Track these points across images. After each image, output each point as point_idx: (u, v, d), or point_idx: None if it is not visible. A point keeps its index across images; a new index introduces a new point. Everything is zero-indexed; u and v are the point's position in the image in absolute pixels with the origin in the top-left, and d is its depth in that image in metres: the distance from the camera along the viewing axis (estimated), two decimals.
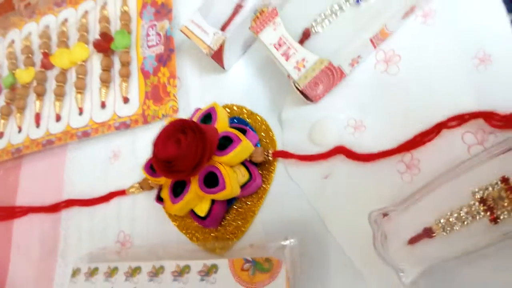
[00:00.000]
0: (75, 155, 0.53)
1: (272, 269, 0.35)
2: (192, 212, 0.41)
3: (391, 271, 0.32)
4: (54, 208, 0.51)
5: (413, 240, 0.31)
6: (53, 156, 0.55)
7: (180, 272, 0.39)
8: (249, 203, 0.41)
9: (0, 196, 0.56)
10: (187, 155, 0.37)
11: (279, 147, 0.42)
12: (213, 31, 0.45)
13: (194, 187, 0.40)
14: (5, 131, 0.58)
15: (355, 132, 0.38)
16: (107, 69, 0.53)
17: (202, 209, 0.41)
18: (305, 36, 0.41)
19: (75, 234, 0.50)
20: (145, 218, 0.46)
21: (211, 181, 0.39)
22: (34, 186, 0.55)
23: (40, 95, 0.56)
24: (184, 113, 0.48)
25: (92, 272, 0.44)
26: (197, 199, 0.40)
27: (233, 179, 0.39)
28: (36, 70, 0.58)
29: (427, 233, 0.30)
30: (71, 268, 0.47)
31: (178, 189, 0.40)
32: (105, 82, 0.52)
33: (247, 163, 0.41)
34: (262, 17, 0.42)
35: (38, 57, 0.59)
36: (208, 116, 0.42)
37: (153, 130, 0.49)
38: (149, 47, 0.52)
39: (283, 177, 0.41)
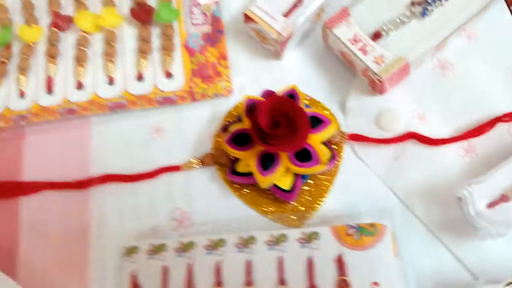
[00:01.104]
0: (104, 128, 0.49)
1: (377, 232, 0.40)
2: (274, 186, 0.43)
3: (471, 235, 0.40)
4: (84, 184, 0.46)
5: (492, 205, 0.40)
6: (73, 128, 0.49)
7: (276, 241, 0.41)
8: (323, 179, 0.45)
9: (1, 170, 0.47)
10: (297, 127, 0.40)
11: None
12: (281, 19, 0.48)
13: (284, 161, 0.42)
14: None
15: (420, 122, 0.46)
16: (147, 40, 0.50)
17: (286, 183, 0.43)
18: (376, 37, 0.47)
19: (114, 214, 0.45)
20: (205, 194, 0.46)
21: (301, 156, 0.42)
22: (47, 160, 0.48)
23: (53, 57, 0.50)
24: (239, 95, 0.49)
25: (157, 249, 0.42)
26: (282, 173, 0.43)
27: (322, 155, 0.42)
28: (44, 30, 0.51)
29: (503, 198, 0.40)
30: (112, 249, 0.44)
31: (267, 163, 0.42)
32: (145, 53, 0.50)
33: (325, 143, 0.45)
34: (334, 16, 0.47)
35: (40, 15, 0.52)
36: (290, 97, 0.45)
37: (201, 109, 0.49)
38: (193, 24, 0.51)
39: (351, 158, 0.46)
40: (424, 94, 0.47)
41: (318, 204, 0.44)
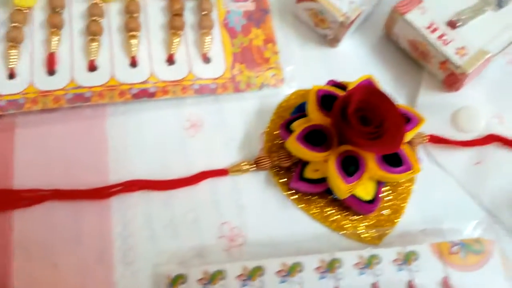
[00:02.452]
0: (124, 121, 0.38)
1: (485, 249, 0.33)
2: (351, 196, 0.35)
3: None
4: (102, 192, 0.35)
5: None
6: (83, 119, 0.37)
7: (367, 263, 0.33)
8: (400, 187, 0.38)
9: None
10: (391, 125, 0.33)
11: None
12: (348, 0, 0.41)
13: (370, 165, 0.35)
14: None
15: (500, 123, 0.41)
16: (179, 13, 0.40)
17: (368, 192, 0.36)
18: (450, 27, 0.41)
19: (143, 231, 0.35)
20: (258, 205, 0.37)
21: (388, 160, 0.35)
22: (47, 161, 0.36)
23: (57, 27, 0.38)
24: (289, 86, 0.41)
25: (214, 277, 0.32)
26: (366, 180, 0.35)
27: (413, 158, 0.36)
28: None
29: None
30: (146, 278, 0.34)
31: (350, 168, 0.34)
32: (177, 29, 0.40)
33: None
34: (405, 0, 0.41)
35: None
36: None
37: (245, 100, 0.41)
38: (235, 1, 0.43)
39: (427, 162, 0.40)
40: (500, 92, 0.42)
41: (398, 216, 0.38)
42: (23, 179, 0.35)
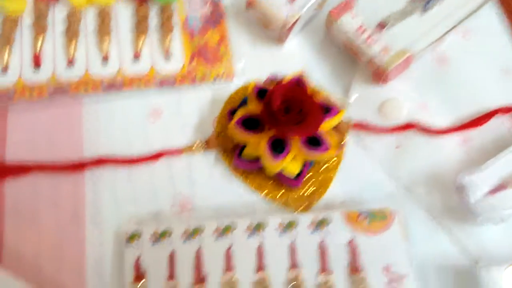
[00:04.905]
0: (97, 108, 0.46)
1: (387, 218, 0.40)
2: (281, 172, 0.42)
3: (472, 222, 0.42)
4: (78, 166, 0.43)
5: (492, 192, 0.42)
6: (63, 107, 0.45)
7: (287, 227, 0.40)
8: (328, 165, 0.45)
9: None
10: (310, 113, 0.40)
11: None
12: (286, 6, 0.47)
13: (294, 147, 0.42)
14: None
15: (421, 112, 0.47)
16: (144, 19, 0.48)
17: (294, 169, 0.43)
18: (379, 28, 0.48)
19: (110, 198, 0.43)
20: (207, 179, 0.44)
21: (311, 142, 0.42)
22: (34, 141, 0.44)
23: (41, 31, 0.46)
24: (239, 80, 0.48)
25: (162, 235, 0.40)
26: (290, 159, 0.42)
27: (333, 141, 0.43)
28: (29, 2, 0.47)
29: (501, 187, 0.42)
30: (110, 236, 0.42)
31: (278, 149, 0.42)
32: (142, 32, 0.47)
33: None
34: (340, 5, 0.47)
35: None
36: (298, 83, 0.44)
37: (201, 92, 0.48)
38: (192, 6, 0.50)
39: (354, 145, 0.46)
40: (424, 85, 0.48)
41: (324, 190, 0.45)
42: (14, 155, 0.44)
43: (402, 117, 0.47)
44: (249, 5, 0.48)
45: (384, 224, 0.40)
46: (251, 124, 0.43)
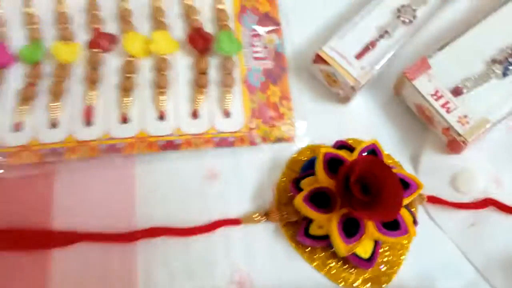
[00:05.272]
0: (150, 169, 0.42)
1: None
2: (353, 254, 0.39)
3: None
4: (129, 237, 0.39)
5: None
6: (113, 168, 0.42)
7: None
8: (399, 244, 0.42)
9: (23, 216, 0.39)
10: (390, 195, 0.36)
11: None
12: (357, 64, 0.44)
13: (370, 229, 0.38)
14: (25, 122, 0.41)
15: (498, 187, 0.43)
16: (204, 72, 0.44)
17: (366, 250, 0.39)
18: (456, 93, 0.44)
19: (164, 272, 0.39)
20: (267, 254, 0.41)
21: (387, 223, 0.39)
22: (82, 206, 0.41)
23: (94, 82, 0.43)
24: (301, 141, 0.45)
25: None
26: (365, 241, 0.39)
27: (409, 222, 0.39)
28: (82, 48, 0.44)
29: None
30: None
31: (352, 229, 0.38)
32: (201, 87, 0.44)
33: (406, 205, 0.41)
34: (414, 66, 0.44)
35: (78, 32, 0.45)
36: (371, 153, 0.41)
37: (260, 153, 0.44)
38: (255, 58, 0.46)
39: (426, 222, 0.43)
40: (500, 156, 0.45)
41: (394, 272, 0.41)
42: (61, 221, 0.40)
43: (477, 192, 0.43)
44: (317, 61, 0.44)
45: None
46: (320, 198, 0.39)
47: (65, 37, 0.44)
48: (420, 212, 0.43)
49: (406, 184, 0.40)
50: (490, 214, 0.43)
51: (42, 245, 0.39)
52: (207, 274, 0.40)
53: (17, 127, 0.41)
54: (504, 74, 0.45)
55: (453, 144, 0.43)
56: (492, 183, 0.44)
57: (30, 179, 0.41)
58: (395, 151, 0.45)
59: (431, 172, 0.44)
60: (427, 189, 0.43)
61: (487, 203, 0.43)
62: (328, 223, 0.39)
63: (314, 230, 0.40)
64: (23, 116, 0.41)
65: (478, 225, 0.43)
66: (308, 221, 0.40)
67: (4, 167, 0.40)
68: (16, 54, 0.43)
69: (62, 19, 0.44)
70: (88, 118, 0.42)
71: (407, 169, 0.45)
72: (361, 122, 0.46)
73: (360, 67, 0.44)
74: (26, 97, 0.42)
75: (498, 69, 0.45)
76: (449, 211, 0.43)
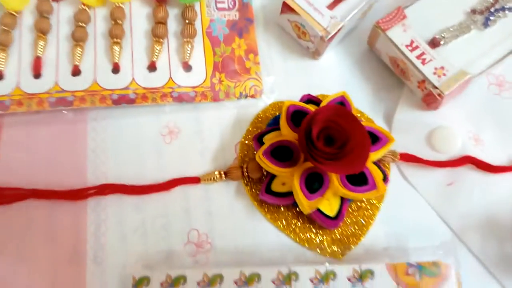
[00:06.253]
0: (104, 125, 0.40)
1: (441, 273, 0.34)
2: (316, 211, 0.36)
3: None
4: (80, 194, 0.37)
5: None
6: (65, 123, 0.39)
7: (323, 279, 0.34)
8: (368, 204, 0.39)
9: None
10: (357, 146, 0.33)
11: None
12: (328, 13, 0.41)
13: (334, 183, 0.35)
14: None
15: (476, 145, 0.41)
16: (163, 21, 0.41)
17: (332, 208, 0.36)
18: (433, 45, 0.41)
19: (115, 232, 0.37)
20: (227, 214, 0.38)
21: (354, 179, 0.36)
22: (30, 161, 0.38)
23: (43, 32, 0.40)
24: (268, 98, 0.42)
25: (176, 282, 0.34)
26: (329, 197, 0.36)
27: (379, 177, 0.36)
28: None
29: None
30: (114, 277, 0.36)
31: (315, 184, 0.35)
32: (159, 37, 0.41)
33: (376, 162, 0.39)
34: (388, 16, 0.41)
35: None
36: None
37: (224, 110, 0.42)
38: (219, 9, 0.43)
39: (399, 181, 0.40)
40: (479, 113, 0.42)
41: (363, 233, 0.38)
42: (6, 177, 0.37)
43: (454, 150, 0.41)
44: (285, 10, 0.41)
45: (438, 280, 0.34)
46: (283, 153, 0.37)
47: None
48: (393, 171, 0.41)
49: (375, 138, 0.37)
50: (468, 173, 0.40)
51: None
52: (161, 234, 0.37)
53: None
54: (485, 25, 0.42)
55: (429, 98, 0.40)
56: (471, 140, 0.41)
57: None
58: (369, 108, 0.43)
59: (405, 129, 0.41)
60: (401, 147, 0.40)
61: (465, 161, 0.40)
62: (291, 179, 0.36)
63: (276, 187, 0.37)
64: None
65: (454, 184, 0.40)
66: (271, 178, 0.37)
67: None
68: None
69: None
70: (37, 69, 0.39)
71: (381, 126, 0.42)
72: (333, 78, 0.44)
73: (330, 16, 0.41)
74: None
75: (479, 20, 0.42)
76: (424, 170, 0.40)
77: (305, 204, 0.35)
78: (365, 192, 0.35)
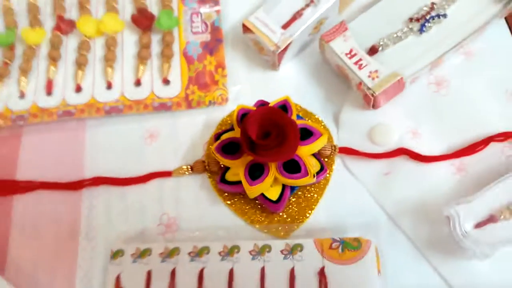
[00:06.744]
0: (99, 131, 0.49)
1: (361, 247, 0.39)
2: (262, 196, 0.43)
3: (458, 255, 0.40)
4: (76, 185, 0.46)
5: (480, 225, 0.39)
6: (69, 130, 0.49)
7: (260, 251, 0.41)
8: (312, 191, 0.45)
9: None
10: (287, 138, 0.40)
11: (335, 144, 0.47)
12: (280, 31, 0.48)
13: (273, 171, 0.42)
14: None
15: (413, 138, 0.45)
16: (146, 46, 0.51)
17: (274, 193, 0.43)
18: (372, 51, 0.47)
19: (103, 216, 0.46)
20: (193, 201, 0.46)
21: (290, 167, 0.42)
22: (42, 160, 0.48)
23: (55, 60, 0.51)
24: (234, 104, 0.49)
25: (143, 253, 0.42)
26: (270, 184, 0.43)
27: (311, 167, 0.42)
28: (47, 33, 0.52)
29: (492, 219, 0.39)
30: (100, 251, 0.45)
31: (256, 173, 0.42)
32: (144, 59, 0.50)
33: (316, 155, 0.45)
34: (332, 29, 0.47)
35: (45, 18, 0.53)
36: (282, 108, 0.45)
37: (196, 116, 0.50)
38: (193, 33, 0.52)
39: (342, 171, 0.46)
40: (418, 110, 0.47)
41: (306, 216, 0.44)
42: (24, 173, 0.48)
43: (392, 144, 0.45)
44: (245, 30, 0.49)
45: (358, 253, 0.39)
46: (235, 148, 0.44)
47: (34, 24, 0.52)
48: (337, 163, 0.46)
49: (310, 133, 0.43)
50: (403, 163, 0.45)
51: (6, 192, 0.47)
52: (140, 218, 0.46)
53: None
54: (421, 31, 0.47)
55: (367, 98, 0.46)
56: (408, 134, 0.46)
57: (1, 139, 0.49)
58: (320, 110, 0.49)
59: (350, 127, 0.47)
60: (346, 143, 0.46)
61: (399, 152, 0.44)
62: (239, 169, 0.43)
63: (230, 176, 0.44)
64: None
65: (391, 173, 0.45)
66: (225, 169, 0.45)
67: None
68: None
69: (32, 10, 0.53)
70: (49, 89, 0.50)
71: (330, 126, 0.48)
72: (290, 85, 0.50)
73: (281, 33, 0.48)
74: (1, 74, 0.50)
75: (416, 27, 0.47)
76: (365, 162, 0.45)
77: (248, 189, 0.42)
78: (298, 179, 0.42)
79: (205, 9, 0.53)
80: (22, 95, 0.50)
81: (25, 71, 0.51)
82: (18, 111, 0.49)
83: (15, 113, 0.49)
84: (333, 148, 0.45)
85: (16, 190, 0.47)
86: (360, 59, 0.46)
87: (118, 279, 0.42)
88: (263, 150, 0.41)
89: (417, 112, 0.46)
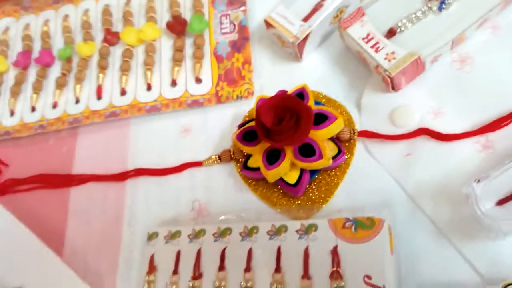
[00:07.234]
0: (141, 128, 0.55)
1: (374, 226, 0.39)
2: (282, 180, 0.45)
3: (480, 234, 0.38)
4: (121, 177, 0.52)
5: (501, 202, 0.38)
6: (115, 128, 0.56)
7: (277, 231, 0.42)
8: (333, 175, 0.46)
9: (55, 165, 0.56)
10: (300, 122, 0.42)
11: (358, 129, 0.47)
12: (299, 23, 0.50)
13: (289, 156, 0.44)
14: (59, 101, 0.58)
15: (435, 118, 0.44)
16: (180, 49, 0.56)
17: (292, 177, 0.45)
18: (390, 34, 0.47)
19: (143, 204, 0.51)
20: (222, 188, 0.49)
21: (305, 151, 0.44)
22: (93, 156, 0.55)
23: (104, 68, 0.58)
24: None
25: (174, 235, 0.46)
26: (288, 168, 0.44)
27: (327, 150, 0.43)
28: (98, 45, 0.59)
29: None
30: (139, 235, 0.49)
31: (272, 158, 0.44)
32: (178, 61, 0.55)
33: (334, 139, 0.46)
34: (350, 16, 0.48)
35: (96, 33, 0.61)
36: (299, 95, 0.47)
37: (225, 110, 0.53)
38: (222, 34, 0.56)
39: (363, 154, 0.46)
40: (441, 89, 0.45)
41: (327, 200, 0.45)
42: (79, 167, 0.55)
43: (412, 125, 0.45)
44: (268, 26, 0.52)
45: (371, 232, 0.39)
46: (254, 136, 0.46)
47: (86, 38, 0.60)
48: (359, 147, 0.46)
49: (325, 117, 0.44)
50: (424, 143, 0.44)
51: (64, 184, 0.54)
52: (174, 204, 0.50)
53: (55, 105, 0.58)
54: (440, 9, 0.46)
55: (385, 81, 0.46)
56: (430, 114, 0.44)
57: (61, 139, 0.57)
58: (344, 97, 0.49)
59: (371, 110, 0.47)
60: (368, 127, 0.46)
61: (420, 132, 0.44)
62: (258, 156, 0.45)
63: (251, 163, 0.47)
64: (56, 97, 0.58)
65: (412, 154, 0.44)
66: (247, 157, 0.47)
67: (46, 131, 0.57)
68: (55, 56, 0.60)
69: (85, 26, 0.60)
70: (99, 94, 0.57)
71: (353, 111, 0.48)
72: (314, 75, 0.51)
73: (299, 25, 0.50)
74: (60, 83, 0.58)
75: (435, 5, 0.46)
76: (386, 144, 0.45)
77: (266, 173, 0.44)
78: (313, 162, 0.43)
79: (233, 11, 0.56)
80: (77, 101, 0.57)
81: (79, 79, 0.58)
82: (74, 114, 0.57)
83: (71, 116, 0.57)
84: (352, 131, 0.46)
85: (72, 182, 0.54)
86: (377, 42, 0.46)
87: (152, 258, 0.46)
88: (277, 136, 0.43)
89: (440, 92, 0.45)
